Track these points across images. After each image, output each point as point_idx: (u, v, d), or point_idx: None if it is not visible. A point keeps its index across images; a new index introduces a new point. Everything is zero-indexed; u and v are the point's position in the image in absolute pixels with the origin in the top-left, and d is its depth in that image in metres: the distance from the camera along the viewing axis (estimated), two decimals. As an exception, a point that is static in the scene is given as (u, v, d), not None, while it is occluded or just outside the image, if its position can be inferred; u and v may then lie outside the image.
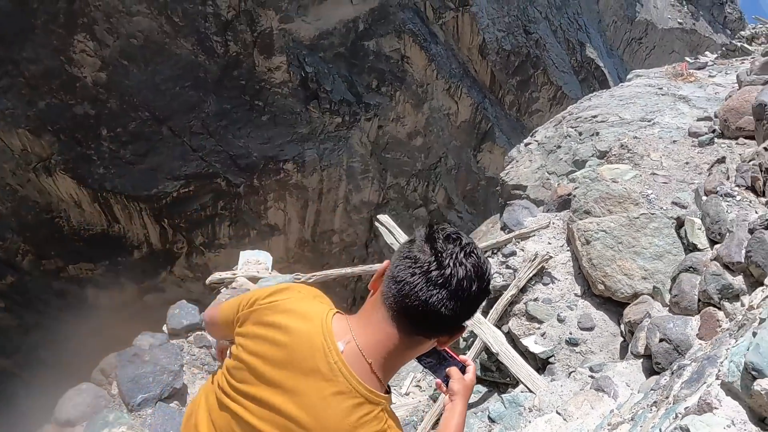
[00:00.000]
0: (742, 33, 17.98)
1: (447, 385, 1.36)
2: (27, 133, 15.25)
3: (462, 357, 1.45)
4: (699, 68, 13.10)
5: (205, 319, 1.66)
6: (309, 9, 17.96)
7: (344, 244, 19.60)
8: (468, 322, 1.24)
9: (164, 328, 4.67)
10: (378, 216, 7.65)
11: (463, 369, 1.38)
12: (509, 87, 21.09)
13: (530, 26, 20.36)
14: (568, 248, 6.54)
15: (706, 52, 18.95)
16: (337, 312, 1.24)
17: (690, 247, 4.90)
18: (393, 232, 6.97)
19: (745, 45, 16.09)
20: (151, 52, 16.30)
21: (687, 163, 6.70)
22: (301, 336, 1.15)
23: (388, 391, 1.21)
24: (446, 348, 1.42)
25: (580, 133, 9.22)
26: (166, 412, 3.45)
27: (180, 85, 16.74)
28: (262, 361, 1.16)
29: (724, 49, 16.09)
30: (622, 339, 5.30)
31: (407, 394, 6.82)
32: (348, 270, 7.42)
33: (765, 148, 4.67)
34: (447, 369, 1.39)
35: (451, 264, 1.06)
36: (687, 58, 15.38)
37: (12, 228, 15.30)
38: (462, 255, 1.09)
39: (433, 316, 1.06)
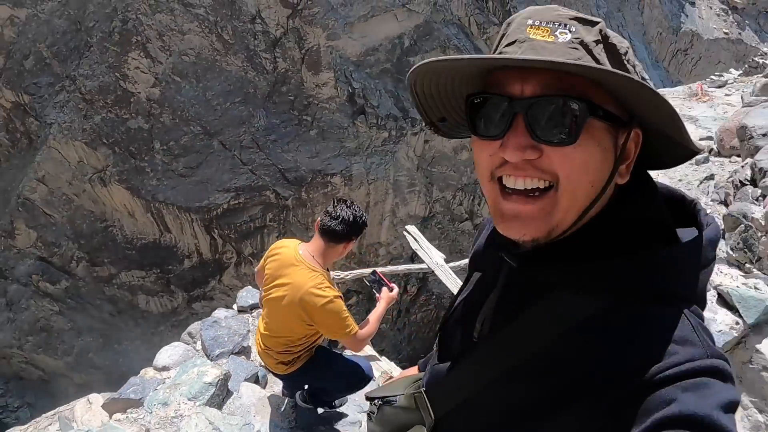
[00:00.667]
0: (766, 49, 17.86)
1: (380, 289, 2.98)
2: (83, 145, 16.38)
3: (391, 284, 3.04)
4: (720, 86, 13.38)
5: (256, 274, 3.25)
6: (355, 26, 18.84)
7: (390, 257, 19.89)
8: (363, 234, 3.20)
9: (234, 306, 5.85)
10: (406, 227, 8.36)
11: (390, 289, 3.05)
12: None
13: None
14: None
15: (731, 70, 18.75)
16: (300, 242, 3.01)
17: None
18: (418, 241, 7.79)
19: (767, 61, 15.92)
20: (203, 69, 17.39)
21: (680, 180, 7.03)
22: (284, 253, 2.95)
23: (328, 270, 2.99)
24: (382, 276, 2.94)
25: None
26: (236, 362, 4.60)
27: (230, 101, 17.72)
28: (272, 269, 2.95)
29: (747, 66, 16.02)
30: None
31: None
32: (368, 270, 9.05)
33: (743, 166, 5.01)
34: (382, 287, 2.94)
35: (339, 210, 2.70)
36: (711, 77, 15.34)
37: (67, 235, 16.31)
38: (346, 207, 2.79)
39: (334, 232, 2.77)
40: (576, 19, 0.74)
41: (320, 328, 2.87)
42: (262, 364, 3.62)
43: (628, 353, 0.67)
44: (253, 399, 4.17)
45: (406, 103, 19.78)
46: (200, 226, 17.09)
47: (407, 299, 18.95)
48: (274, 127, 18.22)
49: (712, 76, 15.10)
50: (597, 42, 0.73)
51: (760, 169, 4.85)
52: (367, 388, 3.50)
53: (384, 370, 6.37)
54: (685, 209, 0.83)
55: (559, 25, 0.73)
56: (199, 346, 5.12)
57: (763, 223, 4.05)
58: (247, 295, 5.98)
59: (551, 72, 0.69)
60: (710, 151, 7.50)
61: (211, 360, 4.76)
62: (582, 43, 0.72)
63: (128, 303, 16.49)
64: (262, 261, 3.12)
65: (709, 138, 8.21)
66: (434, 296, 19.51)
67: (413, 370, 1.31)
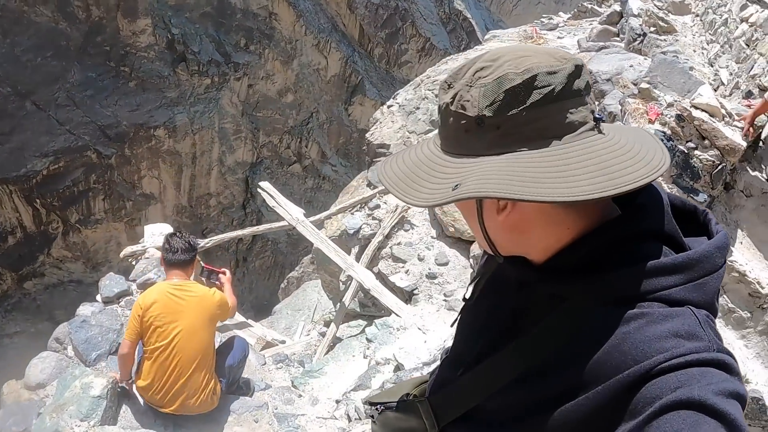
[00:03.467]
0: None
1: (218, 280, 4.90)
2: None
3: (221, 269, 5.06)
4: (551, 29, 17.02)
5: (130, 340, 4.13)
6: (173, -32, 22.59)
7: (222, 207, 25.41)
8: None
9: (98, 297, 6.36)
10: (260, 183, 9.92)
11: (224, 273, 4.98)
12: (378, 40, 27.50)
13: (397, -21, 26.70)
14: None
15: (560, 13, 25.15)
16: (163, 282, 4.42)
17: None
18: (275, 197, 9.19)
19: (596, 6, 19.45)
20: (9, 22, 20.09)
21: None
22: (162, 295, 4.17)
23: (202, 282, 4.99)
24: (211, 267, 5.10)
25: (436, 95, 14.65)
26: (116, 363, 4.71)
27: (41, 56, 20.78)
28: (164, 313, 4.12)
29: (576, 10, 20.04)
30: (471, 270, 7.76)
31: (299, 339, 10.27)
32: (239, 232, 10.56)
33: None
34: (217, 275, 4.95)
35: (174, 243, 4.25)
36: (542, 19, 21.80)
37: None
38: (177, 238, 4.33)
39: (184, 261, 4.29)
40: (444, 83, 0.95)
41: (226, 316, 4.46)
42: (169, 410, 4.24)
43: (632, 348, 0.83)
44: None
45: (228, 47, 24.54)
46: (20, 198, 20.68)
47: (243, 248, 24.95)
48: (90, 81, 21.83)
49: (543, 19, 19.06)
50: (447, 105, 0.94)
51: (610, 113, 6.12)
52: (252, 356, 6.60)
53: (258, 336, 8.04)
54: (696, 219, 1.04)
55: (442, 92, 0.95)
56: (71, 351, 5.42)
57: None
58: (111, 283, 6.40)
59: None
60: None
61: (89, 366, 5.05)
62: (440, 106, 0.96)
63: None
64: (135, 323, 4.00)
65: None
66: (270, 242, 25.73)
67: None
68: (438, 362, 1.30)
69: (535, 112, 0.88)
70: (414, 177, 0.94)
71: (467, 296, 1.22)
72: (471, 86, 0.90)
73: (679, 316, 0.86)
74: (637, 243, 0.93)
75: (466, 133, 0.91)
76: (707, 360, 0.79)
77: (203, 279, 5.28)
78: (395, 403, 1.32)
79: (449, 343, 1.41)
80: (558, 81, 0.88)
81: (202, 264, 5.45)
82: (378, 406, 1.38)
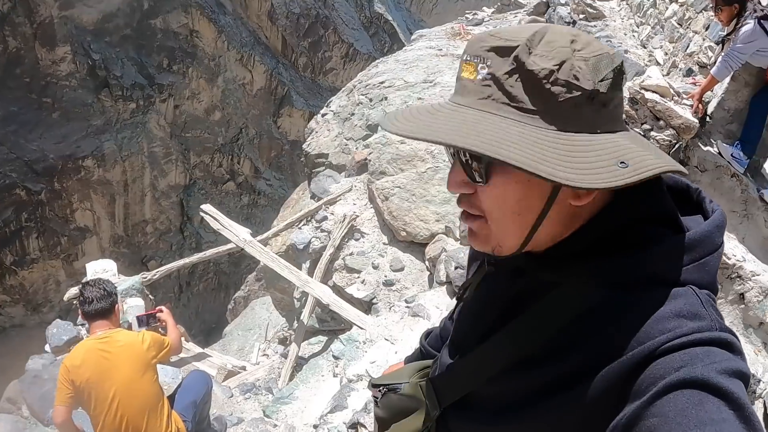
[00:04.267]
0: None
1: (157, 321, 5.13)
2: None
3: (155, 309, 5.23)
4: (477, 24, 17.10)
5: (64, 408, 3.93)
6: (89, -8, 23.50)
7: (159, 233, 26.33)
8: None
9: (46, 347, 6.27)
10: (202, 207, 9.78)
11: (161, 311, 5.08)
12: (301, 49, 29.14)
13: (316, -13, 28.44)
14: (371, 206, 9.49)
15: (484, 8, 23.26)
16: (86, 340, 4.10)
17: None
18: (218, 219, 9.16)
19: None
20: None
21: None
22: (89, 353, 3.95)
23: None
24: (145, 313, 5.41)
25: (371, 99, 12.12)
26: (77, 416, 4.46)
27: (-41, 93, 21.37)
28: (92, 373, 3.90)
29: (499, 3, 20.08)
30: (428, 273, 7.94)
31: (257, 363, 10.19)
32: (187, 260, 10.00)
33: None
34: (155, 317, 5.16)
35: (89, 294, 4.01)
36: (466, 16, 22.78)
37: None
38: (90, 287, 4.07)
39: (104, 310, 4.05)
40: (494, 49, 0.90)
41: (167, 355, 4.41)
42: None
43: (636, 330, 0.86)
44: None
45: (151, 69, 25.59)
46: (-50, 243, 21.15)
47: (185, 273, 25.97)
48: (12, 115, 22.44)
49: (467, 15, 19.24)
50: (510, 73, 0.88)
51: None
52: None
53: (218, 365, 8.08)
54: (689, 197, 1.06)
55: (479, 59, 0.90)
56: (26, 411, 5.39)
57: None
58: (59, 330, 6.38)
59: None
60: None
61: (48, 425, 5.05)
62: (494, 78, 0.89)
63: None
64: (67, 388, 3.95)
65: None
66: (212, 264, 26.79)
67: (400, 365, 1.76)
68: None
69: (621, 96, 0.93)
70: (538, 157, 0.84)
71: (464, 295, 1.28)
72: (573, 57, 0.88)
73: (681, 296, 0.89)
74: (637, 226, 0.96)
75: (574, 107, 0.87)
76: (710, 339, 0.82)
77: (143, 329, 5.53)
78: (399, 385, 1.40)
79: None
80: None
81: (136, 315, 5.55)
82: (381, 388, 1.44)
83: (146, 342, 4.18)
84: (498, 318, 1.11)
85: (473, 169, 0.95)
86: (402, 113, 0.98)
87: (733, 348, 0.86)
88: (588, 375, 0.91)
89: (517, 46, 0.89)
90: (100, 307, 4.08)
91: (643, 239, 0.95)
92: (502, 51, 0.90)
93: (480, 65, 0.91)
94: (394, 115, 0.98)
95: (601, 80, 0.89)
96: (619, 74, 0.91)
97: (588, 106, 0.89)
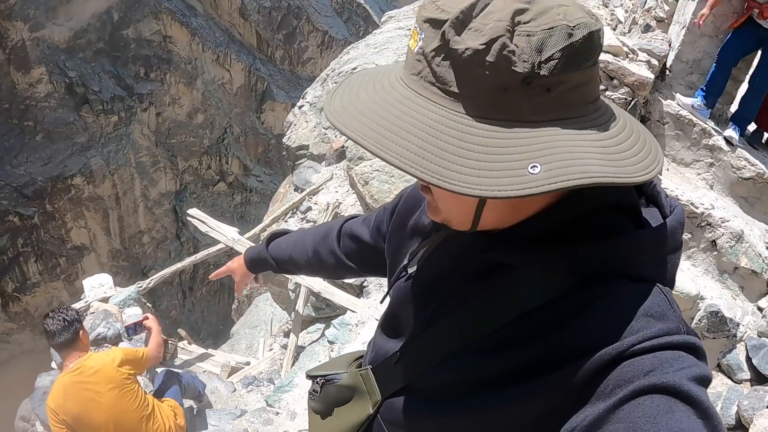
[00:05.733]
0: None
1: (144, 329, 5.32)
2: None
3: (143, 318, 5.33)
4: None
5: None
6: (58, 10, 23.26)
7: (156, 242, 26.44)
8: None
9: (53, 364, 6.38)
10: (188, 212, 9.86)
11: (146, 318, 5.21)
12: (277, 42, 29.03)
13: (284, -22, 28.26)
14: (353, 192, 9.68)
15: None
16: (59, 376, 4.19)
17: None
18: (205, 221, 9.33)
19: None
20: None
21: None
22: (71, 390, 4.06)
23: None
24: (134, 323, 5.54)
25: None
26: None
27: (-61, 127, 21.33)
28: (77, 407, 4.05)
29: None
30: None
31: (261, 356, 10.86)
32: (179, 265, 10.25)
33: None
34: (142, 326, 5.32)
35: (51, 326, 4.00)
36: None
37: None
38: (50, 319, 4.05)
39: (68, 339, 4.06)
40: (429, 20, 0.81)
41: (142, 366, 4.50)
42: None
43: (602, 326, 0.83)
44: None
45: (129, 79, 25.52)
46: (-51, 277, 21.25)
47: (186, 278, 26.13)
48: (-5, 143, 22.42)
49: None
50: (437, 51, 0.79)
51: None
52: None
53: (221, 363, 8.25)
54: (643, 190, 1.01)
55: (418, 29, 0.83)
56: (39, 427, 5.59)
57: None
58: None
59: None
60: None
61: None
62: (423, 54, 0.81)
63: None
64: (59, 429, 4.09)
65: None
66: (211, 266, 26.89)
67: (240, 260, 1.96)
68: None
69: (586, 75, 0.81)
70: (434, 150, 0.78)
71: (409, 268, 1.18)
72: (512, 33, 0.76)
73: (647, 293, 0.86)
74: (603, 213, 0.91)
75: (504, 92, 0.77)
76: (679, 343, 0.81)
77: (133, 336, 5.75)
78: (337, 375, 1.32)
79: None
80: (602, 41, 0.82)
81: (125, 326, 5.73)
82: (318, 380, 1.36)
83: (117, 360, 4.27)
84: (441, 304, 1.06)
85: None
86: (349, 86, 0.91)
87: (699, 353, 0.83)
88: (546, 368, 0.87)
89: (447, 20, 0.79)
90: (64, 338, 4.12)
91: (607, 228, 0.91)
92: (436, 24, 0.81)
93: (419, 36, 0.83)
94: (343, 90, 0.91)
95: (546, 60, 0.76)
96: (577, 52, 0.78)
97: (522, 91, 0.78)
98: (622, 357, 0.80)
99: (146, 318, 5.29)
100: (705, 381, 0.79)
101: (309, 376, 1.41)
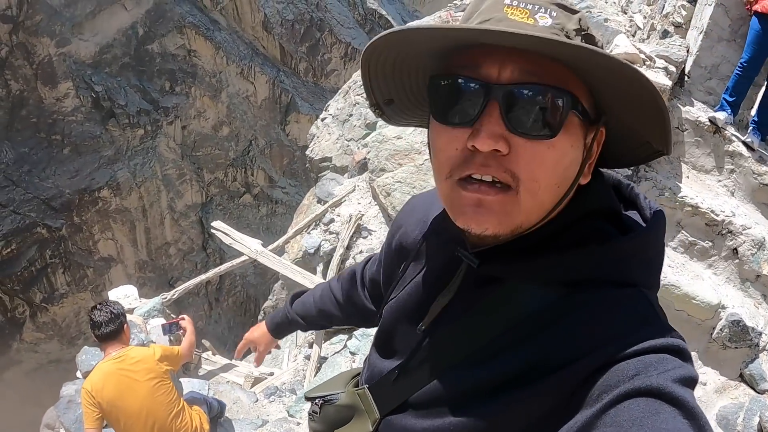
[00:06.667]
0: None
1: (180, 329, 5.41)
2: None
3: (179, 318, 5.57)
4: (464, 10, 21.11)
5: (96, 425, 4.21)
6: (84, 26, 23.83)
7: (183, 253, 26.73)
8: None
9: (78, 374, 6.48)
10: (212, 224, 10.17)
11: (183, 319, 5.44)
12: (300, 55, 29.29)
13: (307, -9, 28.61)
14: (375, 203, 9.86)
15: None
16: (102, 362, 4.42)
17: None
18: (229, 233, 9.63)
19: None
20: (-69, 114, 21.14)
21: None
22: (108, 376, 4.31)
23: None
24: (170, 321, 5.88)
25: (366, 99, 15.89)
26: None
27: (-30, 141, 21.91)
28: (115, 391, 4.29)
29: None
30: None
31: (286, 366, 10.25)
32: (203, 276, 10.52)
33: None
34: (178, 326, 5.46)
35: (98, 317, 4.32)
36: (454, 2, 23.71)
37: None
38: (98, 311, 4.38)
39: (113, 332, 4.38)
40: (557, 4, 0.86)
41: (177, 363, 4.75)
42: None
43: (588, 333, 0.85)
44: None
45: (155, 93, 25.94)
46: (-20, 288, 21.71)
47: (213, 289, 26.33)
48: (24, 157, 22.95)
49: (456, 2, 18.90)
50: (577, 32, 0.85)
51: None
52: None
53: (245, 374, 8.32)
54: (621, 193, 1.04)
55: (540, 8, 0.85)
56: None
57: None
58: (88, 357, 6.54)
59: (532, 56, 0.82)
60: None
61: None
62: (563, 29, 0.85)
63: None
64: (93, 411, 4.24)
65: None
66: (238, 277, 27.14)
67: (261, 329, 1.97)
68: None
69: None
70: None
71: (399, 287, 1.20)
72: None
73: (631, 298, 0.88)
74: (586, 221, 0.95)
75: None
76: (663, 346, 0.82)
77: (170, 337, 6.04)
78: (335, 395, 1.33)
79: None
80: None
81: (161, 324, 5.98)
82: (317, 401, 1.38)
83: (157, 354, 4.56)
84: (440, 316, 1.06)
85: (546, 117, 0.84)
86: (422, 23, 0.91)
87: (684, 354, 0.84)
88: (537, 377, 0.88)
89: (579, 11, 0.88)
90: (110, 330, 4.38)
91: (593, 235, 0.93)
92: (566, 8, 0.88)
93: (539, 14, 0.86)
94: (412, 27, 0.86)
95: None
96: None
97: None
98: (609, 363, 0.82)
99: (182, 319, 5.49)
100: (690, 382, 0.80)
101: (308, 398, 1.44)
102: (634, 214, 1.01)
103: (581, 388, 0.83)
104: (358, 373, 1.39)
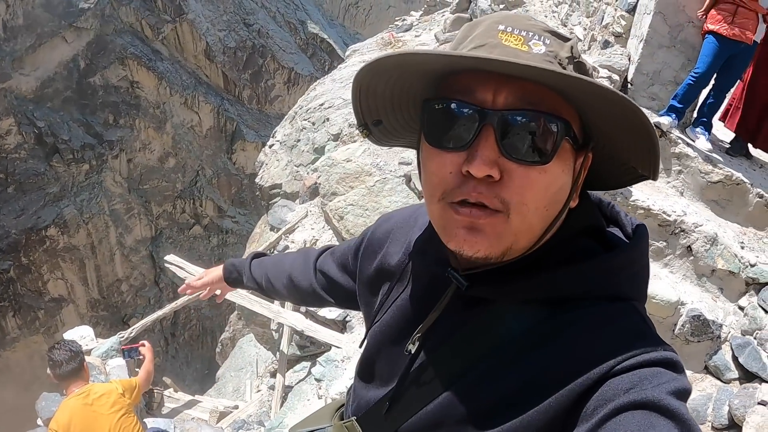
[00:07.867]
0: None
1: (139, 354, 5.97)
2: None
3: (138, 344, 5.97)
4: (406, 30, 17.60)
5: None
6: (24, 60, 23.52)
7: (135, 289, 26.45)
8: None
9: (38, 421, 6.55)
10: (166, 258, 10.07)
11: (143, 345, 5.70)
12: (244, 82, 29.51)
13: (249, 18, 28.51)
14: (329, 227, 9.91)
15: (412, 12, 24.71)
16: (65, 400, 4.49)
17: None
18: (183, 267, 9.55)
19: None
20: None
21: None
22: (75, 416, 4.37)
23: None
24: (129, 346, 6.75)
25: (314, 123, 12.65)
26: None
27: None
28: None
29: (426, 6, 20.13)
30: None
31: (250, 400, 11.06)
32: (159, 312, 10.67)
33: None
34: (137, 351, 6.03)
35: (57, 356, 4.43)
36: (396, 23, 23.39)
37: None
38: (57, 350, 4.50)
39: (73, 369, 4.46)
40: (550, 32, 0.89)
41: (135, 398, 4.85)
42: None
43: (582, 350, 0.85)
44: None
45: (98, 127, 25.75)
46: (-76, 340, 21.07)
47: (168, 325, 26.14)
48: (-34, 198, 22.45)
49: (396, 22, 19.74)
50: (569, 60, 0.88)
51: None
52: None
53: (210, 409, 8.44)
54: (602, 211, 1.06)
55: (534, 35, 0.87)
56: None
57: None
58: (47, 403, 6.67)
59: (526, 83, 0.84)
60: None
61: None
62: (557, 57, 0.87)
63: None
64: None
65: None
66: (192, 311, 27.02)
67: (218, 270, 1.92)
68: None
69: None
70: None
71: (380, 313, 1.19)
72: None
73: (624, 313, 0.90)
74: (573, 240, 0.96)
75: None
76: (657, 360, 0.83)
77: (129, 360, 6.18)
78: (323, 430, 1.31)
79: None
80: None
81: (122, 347, 6.15)
82: None
83: (119, 388, 4.68)
84: (426, 340, 1.05)
85: (540, 143, 0.86)
86: (415, 49, 0.86)
87: (677, 367, 0.85)
88: (532, 396, 0.88)
89: (571, 39, 0.90)
90: (71, 368, 4.47)
91: (579, 253, 0.94)
92: (558, 36, 0.89)
93: (533, 41, 0.87)
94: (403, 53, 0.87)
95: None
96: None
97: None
98: (604, 377, 0.83)
99: (143, 345, 5.65)
100: (684, 394, 0.81)
101: None
102: (616, 231, 1.03)
103: (577, 405, 0.84)
104: (342, 405, 1.35)
